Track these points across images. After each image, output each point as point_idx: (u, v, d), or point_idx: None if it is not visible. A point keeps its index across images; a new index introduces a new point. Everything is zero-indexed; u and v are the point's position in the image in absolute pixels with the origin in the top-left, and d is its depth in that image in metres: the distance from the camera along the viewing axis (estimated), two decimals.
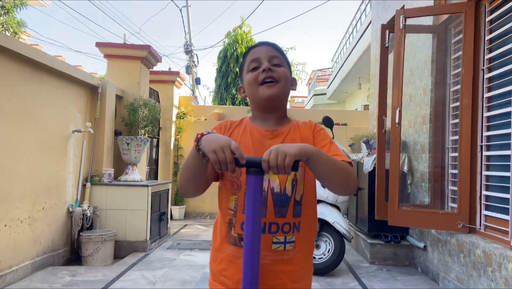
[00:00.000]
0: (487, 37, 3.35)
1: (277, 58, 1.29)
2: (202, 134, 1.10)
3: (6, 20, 8.17)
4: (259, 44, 1.33)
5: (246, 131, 1.30)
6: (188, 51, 13.09)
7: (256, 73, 1.27)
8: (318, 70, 24.01)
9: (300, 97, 30.69)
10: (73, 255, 4.45)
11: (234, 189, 1.23)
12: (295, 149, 1.04)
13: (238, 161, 1.04)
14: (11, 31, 8.22)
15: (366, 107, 10.89)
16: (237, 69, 12.36)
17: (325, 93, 17.64)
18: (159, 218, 5.25)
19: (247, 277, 1.05)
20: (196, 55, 13.46)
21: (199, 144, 1.09)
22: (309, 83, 25.67)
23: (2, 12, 8.13)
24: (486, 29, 3.37)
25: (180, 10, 12.83)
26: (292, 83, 1.34)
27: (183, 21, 13.25)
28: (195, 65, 13.51)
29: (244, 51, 1.40)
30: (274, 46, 1.31)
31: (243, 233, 1.14)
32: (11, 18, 8.78)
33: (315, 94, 19.53)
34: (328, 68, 22.85)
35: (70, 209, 4.38)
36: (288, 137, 1.28)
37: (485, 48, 3.37)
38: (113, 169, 4.94)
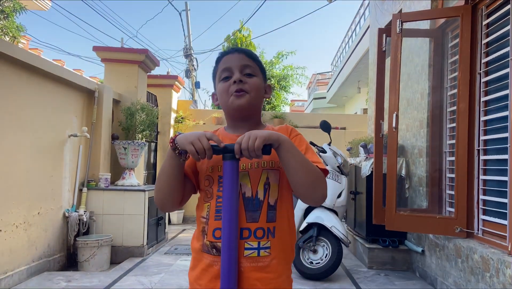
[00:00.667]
0: (484, 41, 3.34)
1: (249, 67, 1.27)
2: (176, 136, 1.17)
3: (5, 24, 8.17)
4: (231, 51, 1.30)
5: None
6: (188, 55, 13.11)
7: (227, 84, 1.26)
8: (318, 73, 24.05)
9: (300, 100, 30.69)
10: (69, 260, 4.43)
11: (208, 197, 1.23)
12: (266, 133, 1.10)
13: (215, 149, 1.12)
14: (11, 35, 8.23)
15: (365, 111, 10.88)
16: None
17: (324, 97, 17.64)
18: (157, 222, 5.23)
19: (224, 276, 1.10)
20: (196, 59, 13.49)
21: (175, 142, 1.14)
22: (309, 87, 25.69)
23: (2, 16, 8.13)
24: (482, 33, 3.36)
25: (180, 14, 12.80)
26: (266, 91, 1.34)
27: (182, 24, 13.30)
28: (194, 69, 13.53)
29: (217, 56, 1.35)
30: (246, 54, 1.29)
31: (214, 241, 1.17)
32: (10, 22, 8.77)
33: (315, 98, 19.53)
34: (328, 72, 22.89)
35: (66, 214, 4.36)
36: None
37: (482, 52, 3.36)
38: (110, 174, 4.93)
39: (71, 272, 4.14)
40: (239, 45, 12.37)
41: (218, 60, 1.32)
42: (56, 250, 4.23)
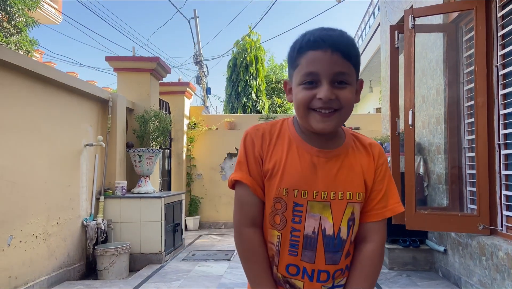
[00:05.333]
0: (500, 33, 3.26)
1: (344, 74, 0.97)
2: None
3: (18, 39, 8.32)
4: (322, 45, 0.96)
5: (292, 148, 1.05)
6: (198, 61, 13.17)
7: (310, 95, 0.98)
8: None
9: None
10: (89, 269, 4.45)
11: (277, 224, 1.04)
12: None
13: None
14: (24, 49, 8.38)
15: (378, 110, 10.77)
16: (247, 78, 12.38)
17: None
18: (173, 229, 5.24)
19: None
20: (206, 65, 13.55)
21: None
22: None
23: (15, 31, 8.28)
24: (498, 25, 3.29)
25: (189, 22, 12.88)
26: (357, 92, 1.04)
27: (191, 32, 13.42)
28: (205, 75, 13.58)
29: (298, 42, 1.01)
30: (343, 53, 0.96)
31: (288, 277, 1.05)
32: (23, 37, 8.94)
33: None
34: None
35: (85, 223, 4.39)
36: (346, 162, 1.05)
37: (498, 44, 3.28)
38: (126, 182, 4.95)
39: (91, 280, 4.16)
40: (248, 50, 12.37)
41: (301, 50, 0.99)
42: (76, 259, 4.26)
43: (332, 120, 0.98)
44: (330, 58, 0.95)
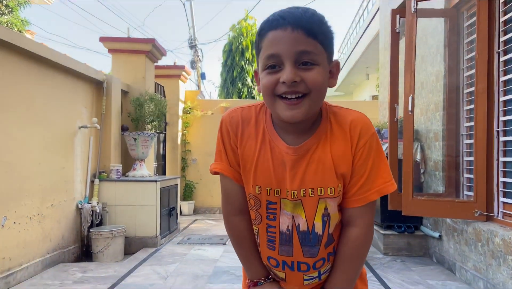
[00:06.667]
0: (502, 19, 3.23)
1: (309, 53, 0.87)
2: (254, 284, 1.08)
3: (10, 19, 8.15)
4: (282, 23, 0.87)
5: (265, 142, 1.00)
6: (193, 45, 13.01)
7: (273, 80, 0.90)
8: None
9: None
10: (84, 251, 4.43)
11: (254, 220, 1.05)
12: None
13: None
14: (16, 30, 8.21)
15: (374, 97, 10.75)
16: (243, 63, 12.27)
17: None
18: (169, 213, 5.22)
19: None
20: (201, 49, 13.41)
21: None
22: None
23: (6, 11, 8.10)
24: (500, 10, 3.25)
25: (183, 4, 12.69)
26: (332, 74, 0.96)
27: (186, 15, 13.26)
28: (200, 60, 13.44)
29: (260, 25, 0.93)
30: (306, 30, 0.86)
31: (270, 266, 1.07)
32: (15, 16, 8.75)
33: None
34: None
35: (79, 206, 4.35)
36: (315, 156, 0.97)
37: (500, 30, 3.25)
38: (121, 165, 4.91)
39: (86, 263, 4.14)
40: (244, 35, 12.24)
41: (261, 33, 0.92)
42: (70, 242, 4.23)
43: (301, 108, 0.90)
44: (291, 36, 0.86)
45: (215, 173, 1.06)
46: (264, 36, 0.91)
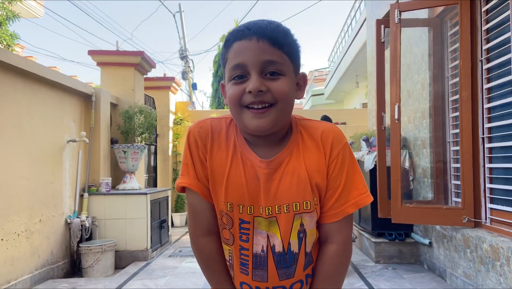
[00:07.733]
0: (484, 28, 3.29)
1: (275, 63, 0.88)
2: None
3: None
4: (247, 34, 0.88)
5: (236, 155, 0.96)
6: (184, 56, 13.06)
7: (239, 90, 0.89)
8: (315, 70, 24.03)
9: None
10: (73, 267, 4.37)
11: (227, 239, 0.99)
12: None
13: None
14: (4, 44, 8.18)
15: (364, 105, 10.84)
16: None
17: (323, 94, 17.59)
18: (160, 225, 5.18)
19: None
20: (192, 60, 13.44)
21: None
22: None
23: None
24: (482, 19, 3.32)
25: (174, 16, 12.76)
26: (300, 86, 0.96)
27: (177, 26, 13.28)
28: (191, 70, 13.48)
29: (226, 37, 0.95)
30: (271, 41, 0.88)
31: None
32: (3, 30, 8.72)
33: (313, 95, 19.48)
34: (325, 68, 22.88)
35: (68, 220, 4.30)
36: (289, 169, 0.94)
37: (482, 38, 3.31)
38: (111, 178, 4.88)
39: (75, 278, 4.09)
40: None
41: (227, 44, 0.92)
42: (60, 257, 4.18)
43: (267, 117, 0.88)
44: (256, 46, 0.87)
45: (182, 189, 1.00)
46: (229, 47, 0.91)
